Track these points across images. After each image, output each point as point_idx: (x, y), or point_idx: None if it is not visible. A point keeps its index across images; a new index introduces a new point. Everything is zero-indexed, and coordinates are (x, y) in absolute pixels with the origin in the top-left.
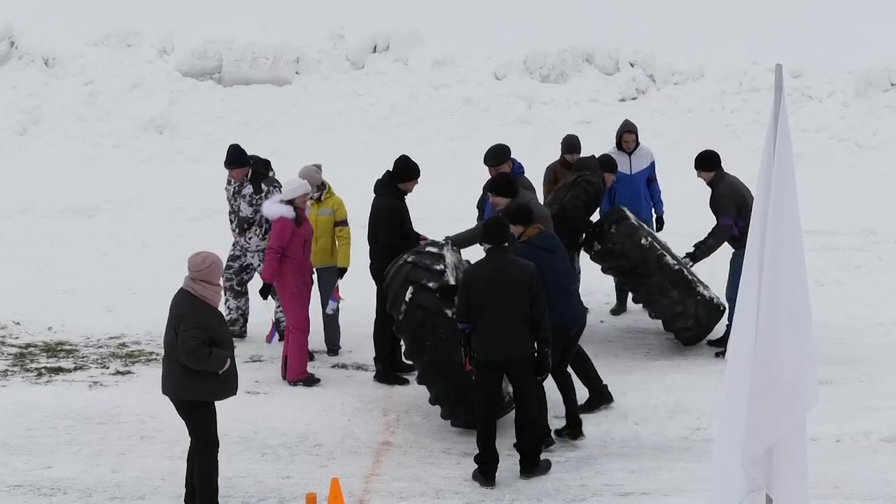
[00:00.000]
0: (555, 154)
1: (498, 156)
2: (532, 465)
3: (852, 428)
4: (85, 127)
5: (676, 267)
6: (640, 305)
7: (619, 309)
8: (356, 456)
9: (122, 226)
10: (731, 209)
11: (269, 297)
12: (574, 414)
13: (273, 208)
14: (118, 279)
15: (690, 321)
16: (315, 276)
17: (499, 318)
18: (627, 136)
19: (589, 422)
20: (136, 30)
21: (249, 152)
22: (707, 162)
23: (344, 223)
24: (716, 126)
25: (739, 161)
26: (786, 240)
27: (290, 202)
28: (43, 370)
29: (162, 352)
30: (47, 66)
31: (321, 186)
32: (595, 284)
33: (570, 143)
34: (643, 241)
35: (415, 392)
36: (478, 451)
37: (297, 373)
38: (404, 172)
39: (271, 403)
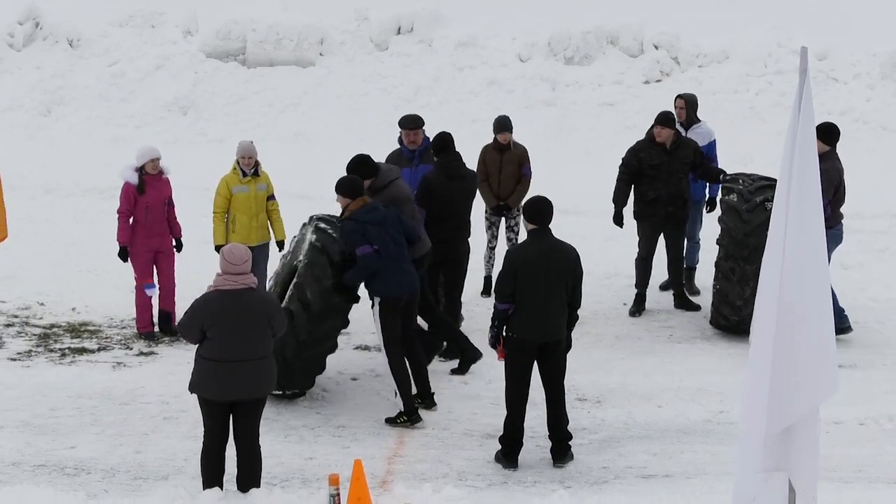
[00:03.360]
0: (579, 136)
1: (415, 121)
2: (565, 452)
3: (876, 411)
4: (109, 108)
5: None
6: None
7: (666, 284)
8: (379, 437)
9: None
10: (829, 189)
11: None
12: (425, 389)
13: (124, 172)
14: None
15: (735, 318)
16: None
17: (544, 299)
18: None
19: (611, 404)
20: (160, 10)
21: (273, 134)
22: (827, 134)
23: (273, 198)
24: (740, 108)
25: (763, 143)
26: (807, 223)
27: (139, 168)
28: (66, 351)
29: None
30: (72, 47)
31: (257, 163)
32: (618, 267)
33: (501, 123)
34: None
35: (438, 374)
36: (502, 433)
37: (140, 326)
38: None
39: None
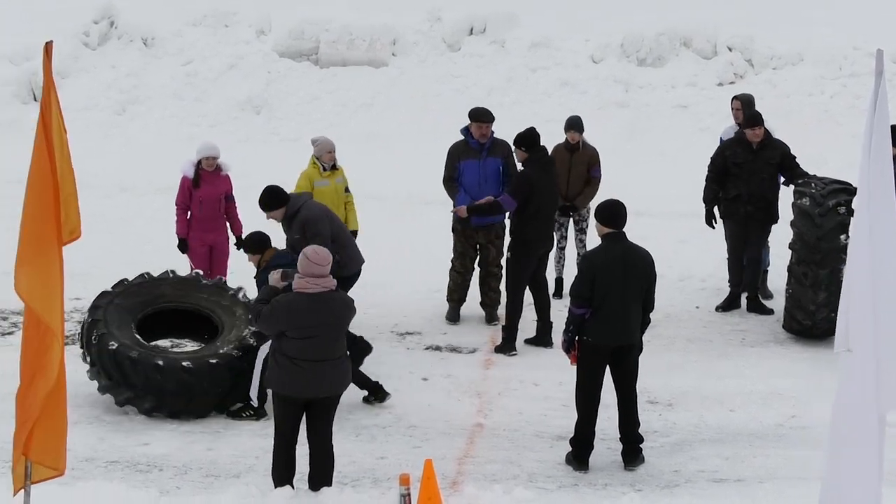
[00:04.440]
0: (653, 138)
1: (487, 114)
2: (637, 454)
3: None
4: (183, 107)
5: (842, 276)
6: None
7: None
8: (449, 438)
9: None
10: None
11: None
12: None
13: (183, 165)
14: None
15: (808, 322)
16: None
17: (621, 303)
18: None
19: (683, 407)
20: (233, 10)
21: (346, 134)
22: None
23: (348, 189)
24: (815, 111)
25: (838, 147)
26: (886, 226)
27: (197, 163)
28: None
29: None
30: (146, 46)
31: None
32: (690, 270)
33: (569, 122)
34: (843, 238)
35: (508, 374)
36: (573, 435)
37: None
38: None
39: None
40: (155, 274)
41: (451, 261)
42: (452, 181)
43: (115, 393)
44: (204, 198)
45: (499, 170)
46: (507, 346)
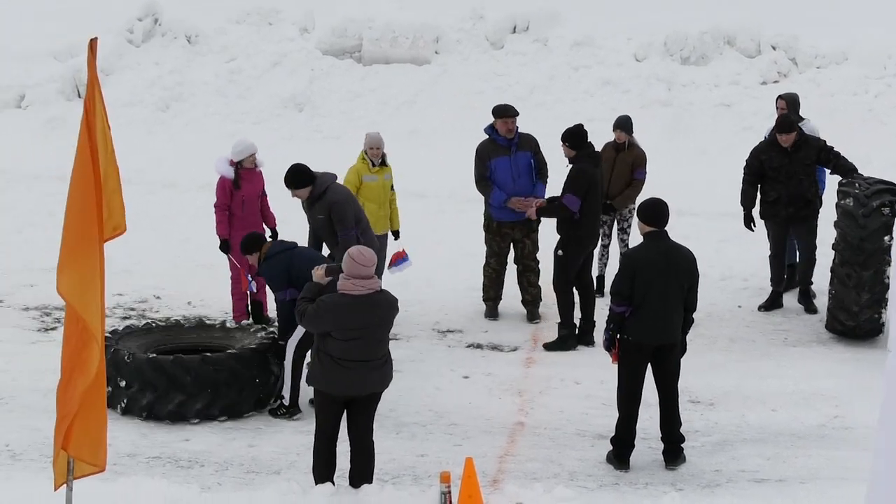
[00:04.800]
0: (695, 137)
1: (511, 110)
2: (678, 454)
3: None
4: (226, 104)
5: (888, 280)
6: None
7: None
8: (490, 436)
9: None
10: None
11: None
12: None
13: (219, 165)
14: None
15: (851, 323)
16: None
17: (662, 302)
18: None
19: (724, 407)
20: (277, 8)
21: (389, 131)
22: None
23: (393, 188)
24: (858, 110)
25: (882, 146)
26: None
27: (236, 163)
28: None
29: None
30: (190, 44)
31: (383, 153)
32: (732, 269)
33: (616, 121)
34: (887, 239)
35: (549, 373)
36: (614, 434)
37: (235, 316)
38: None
39: (406, 381)
40: (139, 324)
41: (487, 257)
42: (485, 180)
43: (160, 407)
44: (246, 197)
45: (530, 164)
46: (568, 342)
